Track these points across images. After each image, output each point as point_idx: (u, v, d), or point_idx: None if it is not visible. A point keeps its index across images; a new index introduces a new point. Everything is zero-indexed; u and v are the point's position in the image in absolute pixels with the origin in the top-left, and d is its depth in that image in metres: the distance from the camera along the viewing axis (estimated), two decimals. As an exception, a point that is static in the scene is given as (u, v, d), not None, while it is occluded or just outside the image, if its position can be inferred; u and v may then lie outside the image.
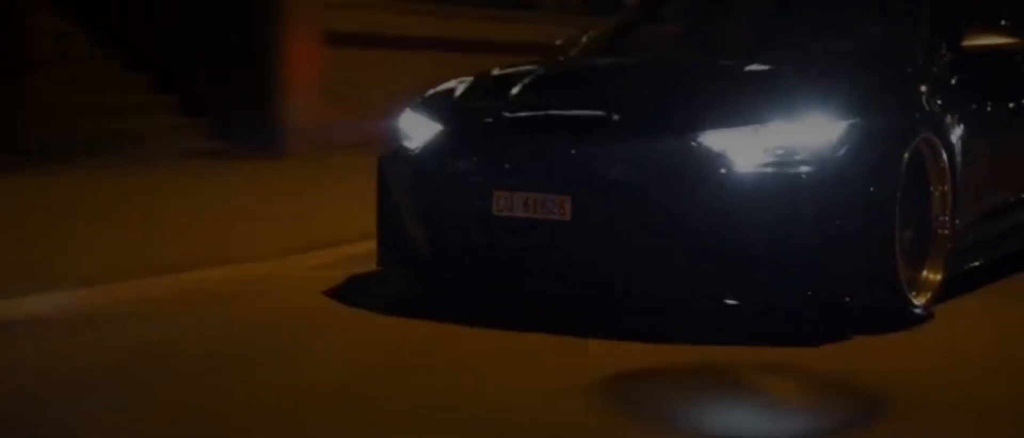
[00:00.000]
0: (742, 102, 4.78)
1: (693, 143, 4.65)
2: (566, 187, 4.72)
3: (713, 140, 4.64)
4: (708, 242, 4.60)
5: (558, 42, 6.32)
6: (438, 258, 5.10)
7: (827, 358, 4.46)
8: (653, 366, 4.34)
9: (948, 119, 5.23)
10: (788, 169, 4.61)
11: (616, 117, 4.87)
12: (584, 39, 6.21)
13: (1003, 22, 6.06)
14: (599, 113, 4.96)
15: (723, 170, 4.61)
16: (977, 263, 5.53)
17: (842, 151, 4.67)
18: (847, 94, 4.87)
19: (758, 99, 4.80)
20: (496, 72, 5.54)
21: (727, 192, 4.60)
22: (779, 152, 4.63)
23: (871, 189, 4.72)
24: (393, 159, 5.32)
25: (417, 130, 5.23)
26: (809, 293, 4.65)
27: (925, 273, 5.07)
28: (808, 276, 4.63)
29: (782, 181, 4.61)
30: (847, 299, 4.69)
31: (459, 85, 5.41)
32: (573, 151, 4.77)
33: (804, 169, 4.61)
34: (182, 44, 10.59)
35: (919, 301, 4.94)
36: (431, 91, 5.47)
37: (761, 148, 4.63)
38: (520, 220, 4.80)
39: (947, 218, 5.15)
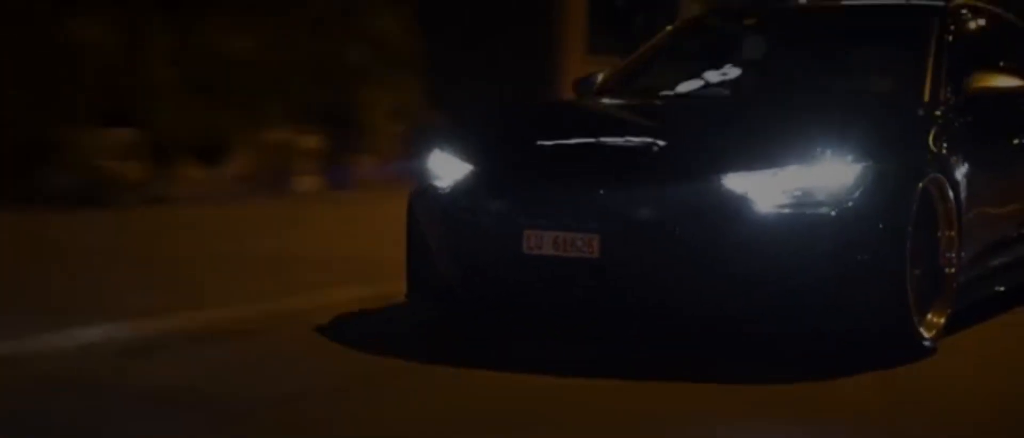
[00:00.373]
0: (762, 146, 5.03)
1: (716, 185, 4.89)
2: (595, 226, 4.95)
3: (735, 182, 4.89)
4: (731, 278, 4.84)
5: (575, 79, 6.56)
6: (468, 294, 5.32)
7: (841, 390, 4.70)
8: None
9: (954, 160, 5.48)
10: (806, 209, 4.86)
11: (642, 159, 5.11)
12: (600, 77, 6.46)
13: (1004, 65, 6.36)
14: (626, 155, 5.20)
15: (745, 211, 4.85)
16: (981, 296, 5.78)
17: (857, 192, 4.92)
18: (860, 138, 5.12)
19: (777, 143, 5.05)
20: (522, 112, 5.77)
21: (749, 231, 4.85)
22: (797, 193, 4.88)
23: (884, 227, 4.96)
24: (422, 197, 5.54)
25: (446, 169, 5.45)
26: (826, 325, 4.89)
27: (934, 307, 5.31)
28: (825, 309, 4.88)
29: (800, 220, 4.86)
30: (862, 331, 4.93)
31: (486, 125, 5.64)
32: (601, 192, 5.01)
33: (821, 209, 4.86)
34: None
35: (928, 334, 5.18)
36: (459, 131, 5.69)
37: (780, 190, 4.88)
38: (550, 258, 5.02)
39: (954, 254, 5.40)
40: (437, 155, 5.55)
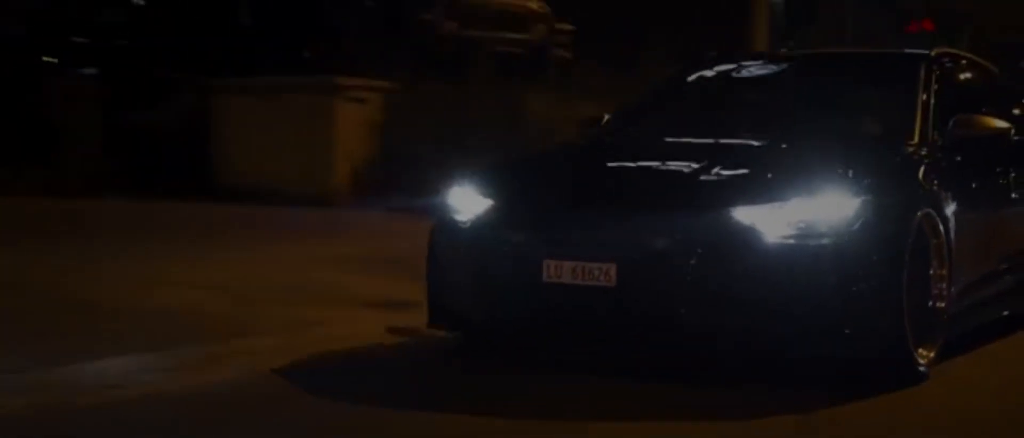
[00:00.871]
0: (768, 181, 5.38)
1: (725, 217, 5.22)
2: (611, 256, 5.26)
3: (743, 215, 5.22)
4: (739, 305, 5.16)
5: (580, 119, 6.91)
6: (489, 322, 5.61)
7: (840, 414, 5.01)
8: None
9: (944, 196, 5.83)
10: (809, 240, 5.20)
11: (655, 193, 5.44)
12: (607, 117, 6.81)
13: (984, 109, 6.75)
14: (639, 189, 5.53)
15: (752, 241, 5.18)
16: (970, 326, 6.11)
17: (856, 225, 5.26)
18: (858, 174, 5.47)
19: (781, 178, 5.39)
20: (536, 151, 6.10)
21: (756, 261, 5.18)
22: (801, 225, 5.21)
23: (881, 258, 5.29)
24: (444, 230, 5.84)
25: (467, 204, 5.76)
26: (828, 351, 5.21)
27: (927, 335, 5.62)
28: (827, 336, 5.19)
29: (804, 251, 5.19)
30: (861, 356, 5.25)
31: (504, 163, 5.97)
32: (617, 223, 5.33)
33: (823, 240, 5.20)
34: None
35: (922, 361, 5.51)
36: (479, 169, 6.02)
37: (785, 222, 5.21)
38: (569, 286, 5.33)
39: (945, 286, 5.74)
40: (457, 190, 5.86)
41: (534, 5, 13.96)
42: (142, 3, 15.41)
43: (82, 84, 12.87)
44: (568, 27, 14.24)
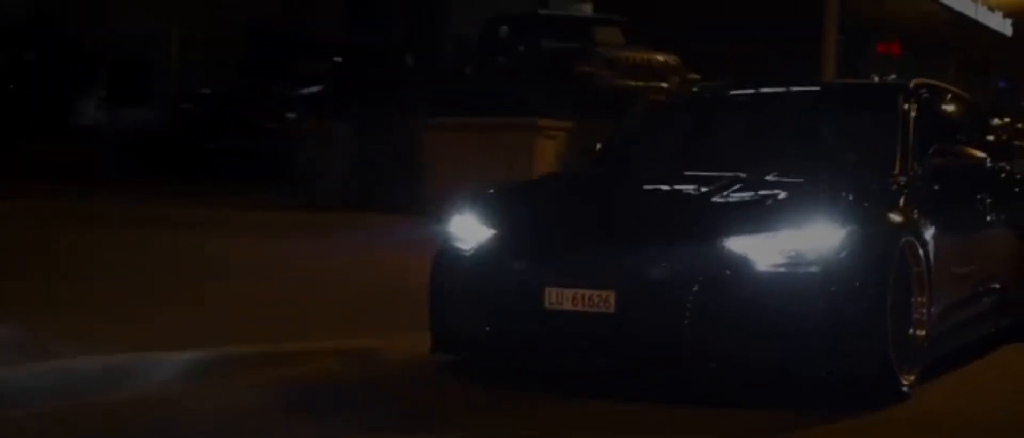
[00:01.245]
0: (759, 212, 5.65)
1: (719, 247, 5.48)
2: (611, 284, 5.51)
3: (736, 244, 5.48)
4: (733, 331, 5.41)
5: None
6: (493, 347, 5.83)
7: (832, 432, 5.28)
8: None
9: (924, 224, 6.10)
10: (799, 268, 5.46)
11: (652, 224, 5.70)
12: (598, 146, 7.06)
13: (961, 138, 7.05)
14: (637, 220, 5.78)
15: (744, 270, 5.44)
16: (949, 347, 6.39)
17: (842, 253, 5.52)
18: (844, 205, 5.74)
19: (772, 210, 5.66)
20: (537, 180, 6.34)
21: (748, 288, 5.43)
22: (791, 255, 5.47)
23: (867, 284, 5.55)
24: (446, 257, 6.07)
25: (469, 232, 6.00)
26: (818, 372, 5.47)
27: (909, 356, 5.88)
28: (817, 358, 5.45)
29: (794, 278, 5.45)
30: (849, 377, 5.51)
31: (504, 192, 6.20)
32: (616, 253, 5.58)
33: (812, 268, 5.46)
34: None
35: (906, 381, 5.77)
36: (478, 197, 6.25)
37: (776, 251, 5.48)
38: (569, 313, 5.57)
39: (926, 309, 6.01)
40: (459, 219, 6.09)
41: (670, 59, 16.82)
42: (339, 59, 18.90)
43: (329, 126, 15.62)
44: (696, 76, 16.44)
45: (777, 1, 19.92)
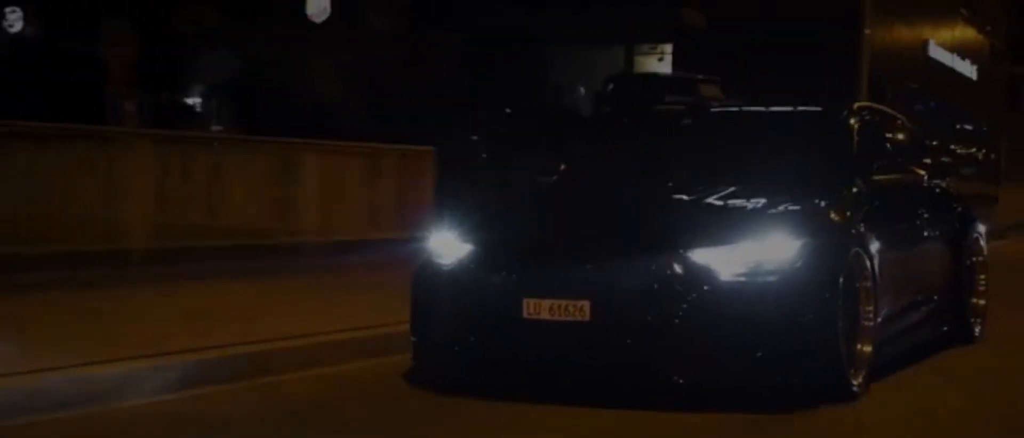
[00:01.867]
0: (720, 226, 6.10)
1: (685, 258, 5.92)
2: (585, 294, 5.92)
3: (700, 256, 5.93)
4: (700, 336, 5.85)
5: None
6: (474, 356, 6.21)
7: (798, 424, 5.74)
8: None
9: (869, 237, 6.59)
10: (758, 278, 5.91)
11: (623, 237, 6.13)
12: (563, 167, 7.50)
13: (899, 158, 7.58)
14: (608, 234, 6.21)
15: (708, 280, 5.89)
16: (892, 352, 6.88)
17: (798, 264, 5.98)
18: (799, 219, 6.21)
19: (732, 224, 6.12)
20: (510, 197, 6.74)
21: (711, 297, 5.88)
22: (751, 265, 5.93)
23: (820, 291, 6.01)
24: (427, 271, 6.45)
25: (447, 248, 6.39)
26: (776, 375, 5.92)
27: (857, 359, 6.36)
28: (774, 358, 5.89)
29: (753, 287, 5.90)
30: (805, 379, 5.97)
31: (480, 209, 6.60)
32: (590, 265, 6.00)
33: (770, 278, 5.92)
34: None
35: (855, 381, 6.25)
36: (456, 215, 6.65)
37: (737, 262, 5.93)
38: (547, 322, 5.98)
39: (872, 315, 6.49)
40: (438, 235, 6.48)
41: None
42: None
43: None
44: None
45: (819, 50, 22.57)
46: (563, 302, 5.96)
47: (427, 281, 6.46)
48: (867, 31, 20.11)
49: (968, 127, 36.50)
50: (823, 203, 6.58)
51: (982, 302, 8.39)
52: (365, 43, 21.83)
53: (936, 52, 32.45)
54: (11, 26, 21.53)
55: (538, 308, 6.00)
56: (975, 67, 36.86)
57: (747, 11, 23.63)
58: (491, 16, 22.57)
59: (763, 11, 23.59)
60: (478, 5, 22.41)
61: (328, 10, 22.20)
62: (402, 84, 21.24)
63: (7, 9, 21.38)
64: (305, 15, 22.18)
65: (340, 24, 21.90)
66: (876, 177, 7.01)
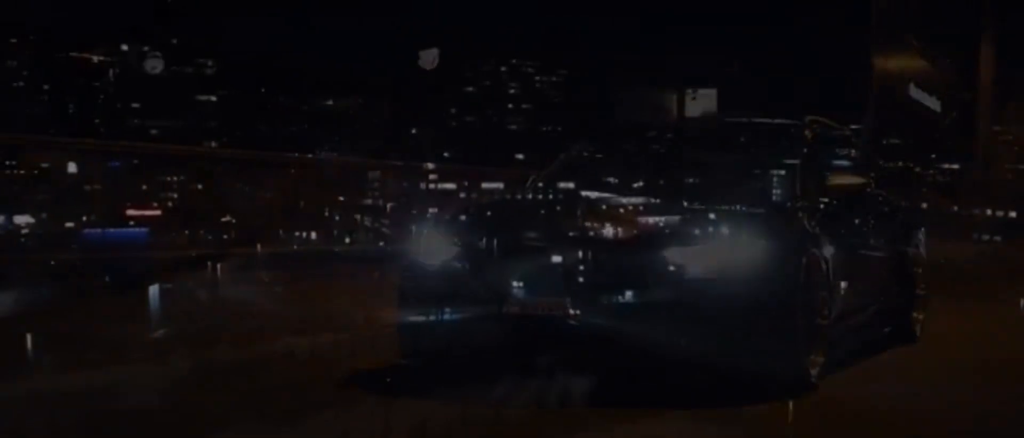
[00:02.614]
0: (690, 229, 6.56)
1: (659, 258, 6.37)
2: (565, 290, 6.35)
3: (673, 256, 6.38)
4: (672, 328, 6.30)
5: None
6: (458, 350, 6.60)
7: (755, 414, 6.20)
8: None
9: (823, 240, 7.08)
10: (725, 274, 6.38)
11: (600, 239, 6.55)
12: (533, 177, 7.92)
13: (850, 165, 8.12)
14: (585, 236, 6.63)
15: (680, 278, 6.34)
16: (846, 347, 7.38)
17: (760, 262, 6.46)
18: (760, 223, 6.69)
19: (701, 227, 6.58)
20: (492, 202, 7.15)
21: (684, 294, 6.33)
22: (718, 263, 6.39)
23: (779, 290, 6.50)
24: (412, 270, 6.84)
25: (433, 248, 6.78)
26: (740, 364, 6.38)
27: (813, 352, 6.85)
28: (740, 352, 6.35)
29: (721, 285, 6.36)
30: (768, 368, 6.44)
31: (463, 213, 7.02)
32: (569, 263, 6.42)
33: (737, 275, 6.38)
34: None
35: (813, 371, 6.74)
36: (440, 217, 7.04)
37: (706, 260, 6.38)
38: (528, 317, 6.39)
39: (826, 312, 6.99)
40: (423, 236, 6.88)
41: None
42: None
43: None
44: None
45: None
46: (543, 299, 6.37)
47: (411, 278, 6.85)
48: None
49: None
50: (782, 209, 7.06)
51: (921, 307, 8.92)
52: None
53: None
54: (153, 68, 21.99)
55: (520, 304, 6.40)
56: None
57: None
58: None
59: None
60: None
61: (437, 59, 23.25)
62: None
63: (147, 50, 21.90)
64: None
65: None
66: (828, 184, 7.50)
